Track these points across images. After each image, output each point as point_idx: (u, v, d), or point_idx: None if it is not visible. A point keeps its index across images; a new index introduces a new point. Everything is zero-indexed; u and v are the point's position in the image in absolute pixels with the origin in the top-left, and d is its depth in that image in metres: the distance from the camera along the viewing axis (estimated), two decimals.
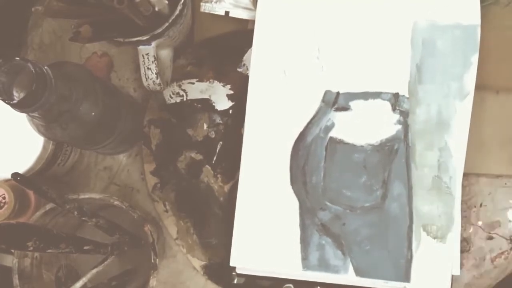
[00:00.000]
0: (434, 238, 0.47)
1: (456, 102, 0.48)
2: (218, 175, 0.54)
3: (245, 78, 0.52)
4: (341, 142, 0.49)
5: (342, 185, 0.48)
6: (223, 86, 0.54)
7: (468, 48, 0.48)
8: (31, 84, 0.39)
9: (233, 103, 0.54)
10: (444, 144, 0.48)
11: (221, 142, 0.54)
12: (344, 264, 0.48)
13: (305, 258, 0.48)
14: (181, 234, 0.54)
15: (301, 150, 0.49)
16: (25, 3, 0.58)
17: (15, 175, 0.42)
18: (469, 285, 0.52)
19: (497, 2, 0.51)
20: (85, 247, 0.45)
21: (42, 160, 0.50)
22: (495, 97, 0.51)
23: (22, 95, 0.41)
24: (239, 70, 0.54)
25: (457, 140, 0.48)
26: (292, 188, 0.49)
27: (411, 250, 0.47)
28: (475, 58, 0.48)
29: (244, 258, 0.49)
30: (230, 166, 0.54)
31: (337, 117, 0.49)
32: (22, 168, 0.49)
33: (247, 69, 0.53)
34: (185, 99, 0.55)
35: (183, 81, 0.55)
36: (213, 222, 0.54)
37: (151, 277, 0.46)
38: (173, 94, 0.55)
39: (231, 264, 0.49)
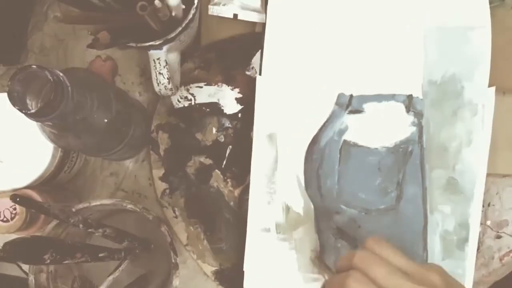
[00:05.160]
0: (450, 239, 0.48)
1: (470, 102, 0.48)
2: (228, 180, 0.54)
3: (253, 81, 0.52)
4: (355, 145, 0.49)
5: (356, 188, 0.48)
6: (232, 89, 0.54)
7: (479, 49, 0.48)
8: (46, 92, 0.38)
9: (242, 106, 0.54)
10: (459, 146, 0.48)
11: (230, 146, 0.54)
12: None
13: (321, 261, 0.48)
14: (191, 240, 0.54)
15: (315, 153, 0.49)
16: (25, 5, 0.57)
17: (14, 196, 0.39)
18: (478, 283, 0.52)
19: (503, 4, 0.52)
20: (100, 255, 0.45)
21: (51, 168, 0.49)
22: (502, 98, 0.51)
23: (34, 103, 0.40)
24: (247, 73, 0.54)
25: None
26: (307, 192, 0.49)
27: (427, 251, 0.47)
28: (487, 58, 0.48)
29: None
30: (240, 171, 0.53)
31: (350, 120, 0.49)
32: (31, 177, 0.49)
33: (256, 72, 0.53)
34: (193, 103, 0.54)
35: (191, 85, 0.54)
36: (223, 227, 0.53)
37: (174, 276, 0.46)
38: (181, 98, 0.54)
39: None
